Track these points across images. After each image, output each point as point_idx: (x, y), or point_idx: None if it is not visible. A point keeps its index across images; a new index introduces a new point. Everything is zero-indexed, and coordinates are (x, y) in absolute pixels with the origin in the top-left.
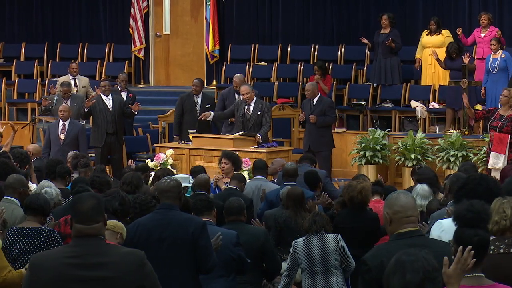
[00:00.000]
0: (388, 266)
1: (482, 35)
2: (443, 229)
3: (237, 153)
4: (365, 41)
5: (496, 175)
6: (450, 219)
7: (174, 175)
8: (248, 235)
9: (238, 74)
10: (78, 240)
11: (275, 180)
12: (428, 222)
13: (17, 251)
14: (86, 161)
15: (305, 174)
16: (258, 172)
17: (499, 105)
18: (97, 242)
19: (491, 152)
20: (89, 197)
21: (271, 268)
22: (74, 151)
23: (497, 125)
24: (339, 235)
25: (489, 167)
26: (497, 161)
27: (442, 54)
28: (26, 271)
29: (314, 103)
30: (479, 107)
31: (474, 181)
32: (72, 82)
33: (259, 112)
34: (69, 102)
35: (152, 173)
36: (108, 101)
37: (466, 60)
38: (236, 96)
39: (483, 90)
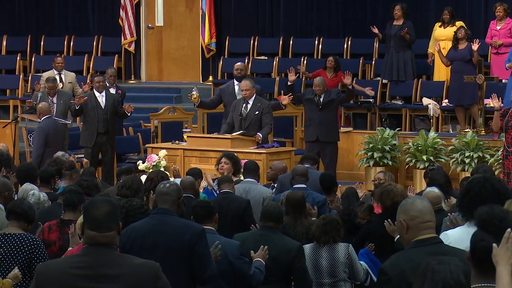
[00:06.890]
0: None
1: (498, 27)
2: (450, 241)
3: (236, 154)
4: (376, 31)
5: None
6: (456, 229)
7: (168, 177)
8: (279, 247)
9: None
10: (89, 248)
11: (275, 185)
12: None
13: None
14: (72, 163)
15: (321, 176)
16: (248, 174)
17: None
18: (109, 251)
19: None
20: (104, 202)
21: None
22: (61, 152)
23: None
24: (350, 245)
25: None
26: None
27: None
28: (32, 280)
29: (322, 98)
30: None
31: (478, 184)
32: (58, 78)
33: (256, 112)
34: (54, 99)
35: (144, 176)
36: (101, 98)
37: (475, 47)
38: (236, 88)
39: None
